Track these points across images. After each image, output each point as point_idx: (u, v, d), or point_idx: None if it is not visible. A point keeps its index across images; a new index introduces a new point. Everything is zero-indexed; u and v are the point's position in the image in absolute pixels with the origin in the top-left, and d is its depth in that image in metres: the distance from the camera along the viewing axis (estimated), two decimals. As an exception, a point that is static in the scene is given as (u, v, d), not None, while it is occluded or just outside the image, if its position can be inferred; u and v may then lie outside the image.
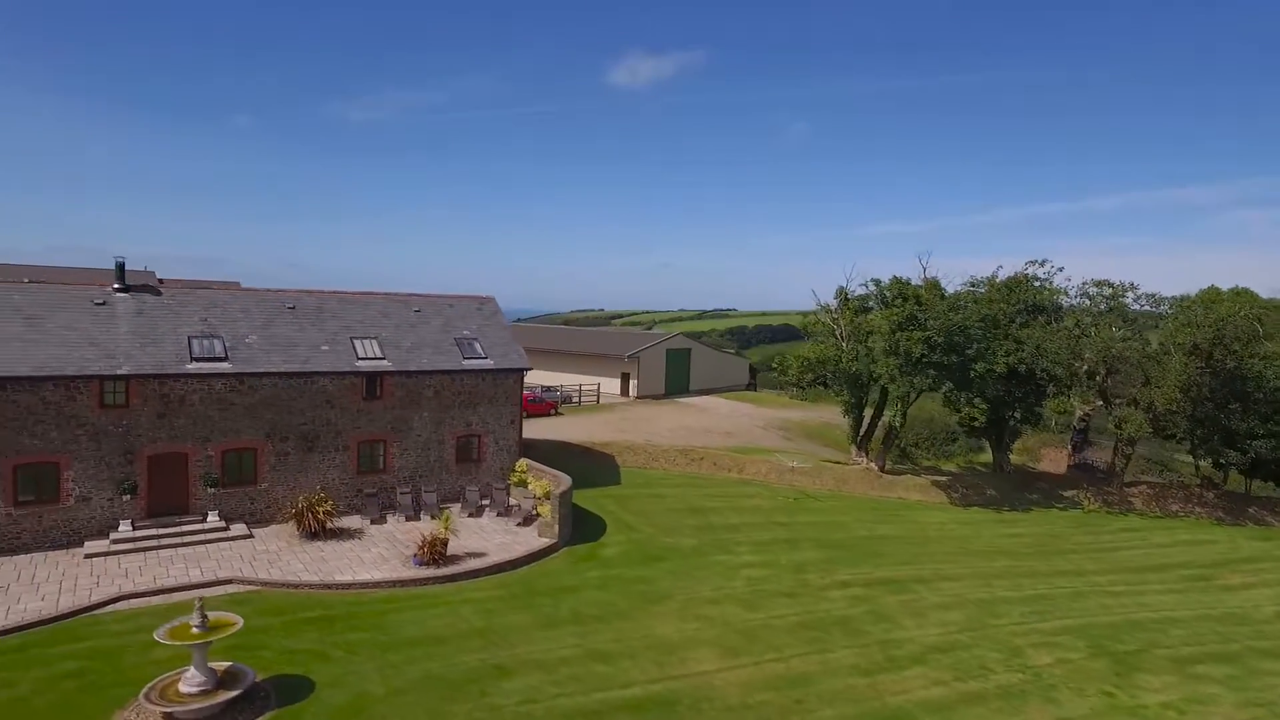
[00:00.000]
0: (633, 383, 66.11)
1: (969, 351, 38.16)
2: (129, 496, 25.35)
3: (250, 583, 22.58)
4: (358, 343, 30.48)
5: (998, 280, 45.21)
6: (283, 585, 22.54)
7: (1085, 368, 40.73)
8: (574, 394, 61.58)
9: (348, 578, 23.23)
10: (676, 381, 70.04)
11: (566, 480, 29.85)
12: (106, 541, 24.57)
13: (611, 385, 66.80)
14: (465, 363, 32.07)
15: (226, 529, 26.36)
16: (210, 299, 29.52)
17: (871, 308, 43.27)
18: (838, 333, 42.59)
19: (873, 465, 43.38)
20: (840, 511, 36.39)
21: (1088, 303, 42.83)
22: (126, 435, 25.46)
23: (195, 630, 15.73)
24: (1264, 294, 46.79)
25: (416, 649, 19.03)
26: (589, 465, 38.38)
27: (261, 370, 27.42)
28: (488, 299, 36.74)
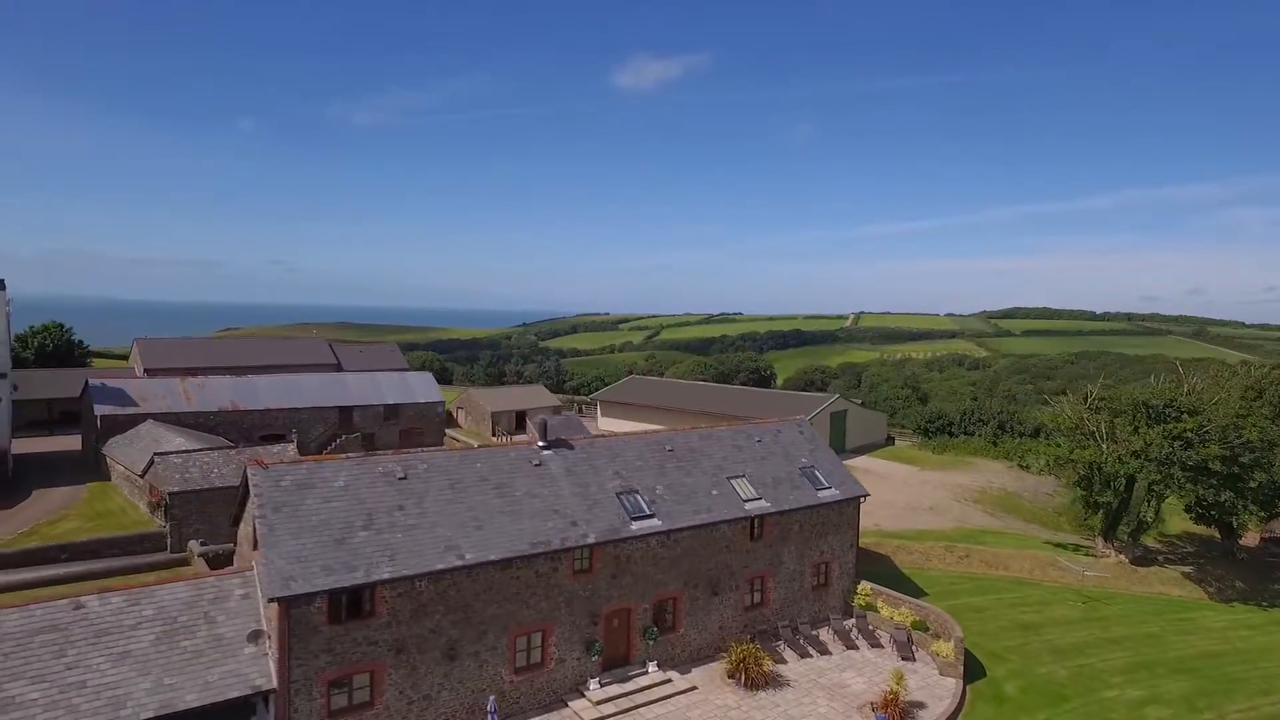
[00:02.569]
0: (804, 448, 67.79)
1: (1243, 460, 39.98)
2: (597, 657, 27.11)
3: (761, 751, 24.32)
4: (734, 483, 32.25)
5: (1238, 373, 47.09)
6: (792, 753, 24.28)
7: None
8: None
9: (841, 742, 25.02)
10: (835, 443, 71.78)
11: (950, 621, 31.63)
12: (587, 702, 26.30)
13: (779, 449, 68.45)
14: (819, 494, 33.88)
15: (670, 680, 28.10)
16: (609, 448, 31.24)
17: (1122, 409, 44.77)
18: (1096, 434, 44.18)
19: (1123, 558, 45.17)
20: (1138, 619, 38.17)
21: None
22: (591, 598, 27.22)
23: None
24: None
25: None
26: (869, 566, 40.14)
27: (683, 525, 29.18)
28: (801, 420, 38.52)
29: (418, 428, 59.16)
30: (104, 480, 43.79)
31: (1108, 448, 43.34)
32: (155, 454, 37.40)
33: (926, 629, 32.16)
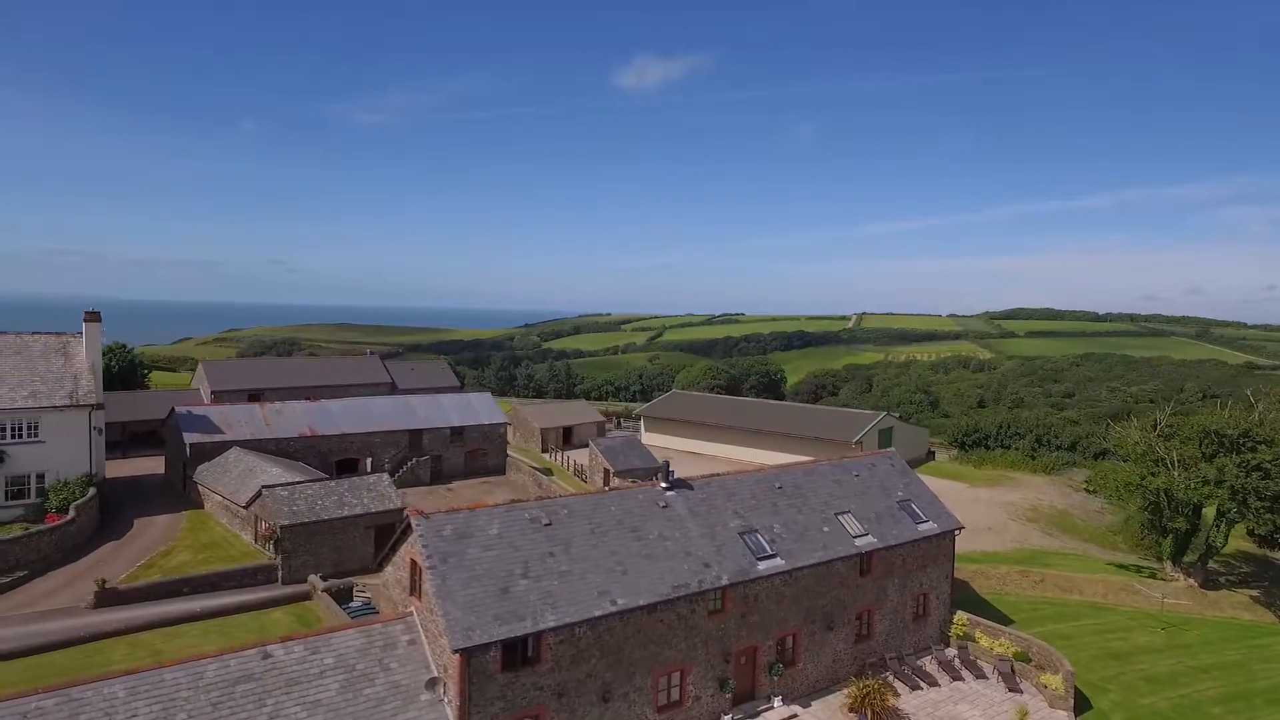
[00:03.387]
0: (854, 466, 68.83)
1: (1317, 488, 41.00)
2: (729, 694, 28.11)
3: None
4: (842, 519, 33.24)
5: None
6: (932, 791, 25.28)
7: None
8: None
9: (974, 778, 26.01)
10: (883, 459, 72.89)
11: (1054, 654, 32.60)
12: (724, 738, 27.29)
13: (828, 466, 69.51)
14: (919, 528, 34.88)
15: (796, 715, 29.13)
16: (724, 487, 32.18)
17: (1190, 437, 45.71)
18: (1166, 461, 45.16)
19: (1192, 582, 46.16)
20: (1218, 646, 39.12)
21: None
22: (723, 637, 28.21)
23: None
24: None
25: None
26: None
27: (804, 564, 30.18)
28: (889, 452, 39.53)
29: (482, 448, 60.09)
30: (197, 508, 44.70)
31: (1179, 475, 44.30)
32: (263, 486, 38.32)
33: (1029, 660, 33.15)
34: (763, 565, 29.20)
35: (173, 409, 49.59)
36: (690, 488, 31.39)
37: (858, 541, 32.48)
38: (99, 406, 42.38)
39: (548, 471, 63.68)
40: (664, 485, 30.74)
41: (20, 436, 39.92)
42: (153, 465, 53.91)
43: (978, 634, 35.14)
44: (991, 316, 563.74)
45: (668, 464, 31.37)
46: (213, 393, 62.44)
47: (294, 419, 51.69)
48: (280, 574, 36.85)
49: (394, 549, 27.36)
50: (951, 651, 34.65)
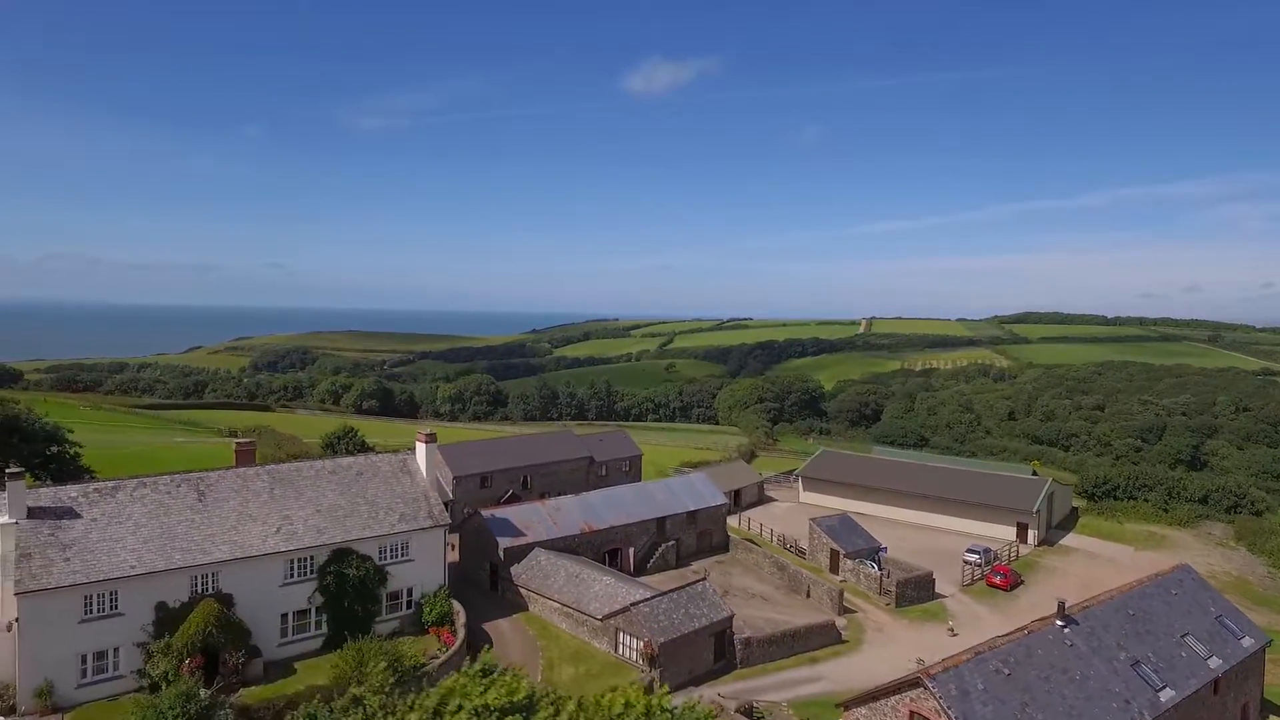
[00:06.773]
0: (1031, 533, 73.52)
1: None
2: (1150, 813, 32.55)
3: None
4: (1188, 640, 37.78)
5: None
6: None
7: None
8: (995, 551, 68.58)
9: None
10: (1047, 522, 77.52)
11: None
12: None
13: (1003, 533, 74.19)
14: (1242, 644, 39.54)
15: (1195, 827, 33.58)
16: (1097, 619, 36.60)
17: None
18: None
19: None
20: None
21: None
22: (1141, 764, 32.66)
23: None
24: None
25: None
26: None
27: (1187, 692, 34.70)
28: (1185, 565, 43.98)
29: (709, 529, 64.60)
30: (521, 609, 49.02)
31: None
32: (632, 604, 42.71)
33: (1357, 766, 37.63)
34: (1163, 697, 33.70)
35: (478, 511, 54.06)
36: (1076, 622, 35.84)
37: (1210, 663, 37.02)
38: (448, 524, 46.69)
39: (752, 543, 67.78)
40: (1060, 623, 35.21)
41: (396, 556, 44.23)
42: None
43: (1292, 738, 39.64)
44: (1001, 321, 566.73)
45: (1062, 604, 35.77)
46: (454, 478, 66.73)
47: (571, 516, 56.08)
48: (654, 687, 41.22)
49: (878, 696, 31.70)
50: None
